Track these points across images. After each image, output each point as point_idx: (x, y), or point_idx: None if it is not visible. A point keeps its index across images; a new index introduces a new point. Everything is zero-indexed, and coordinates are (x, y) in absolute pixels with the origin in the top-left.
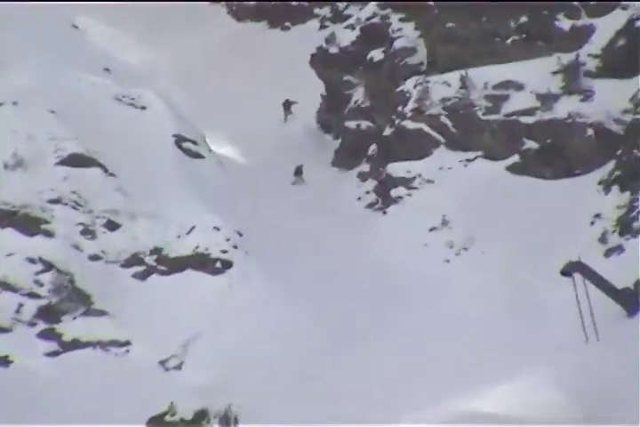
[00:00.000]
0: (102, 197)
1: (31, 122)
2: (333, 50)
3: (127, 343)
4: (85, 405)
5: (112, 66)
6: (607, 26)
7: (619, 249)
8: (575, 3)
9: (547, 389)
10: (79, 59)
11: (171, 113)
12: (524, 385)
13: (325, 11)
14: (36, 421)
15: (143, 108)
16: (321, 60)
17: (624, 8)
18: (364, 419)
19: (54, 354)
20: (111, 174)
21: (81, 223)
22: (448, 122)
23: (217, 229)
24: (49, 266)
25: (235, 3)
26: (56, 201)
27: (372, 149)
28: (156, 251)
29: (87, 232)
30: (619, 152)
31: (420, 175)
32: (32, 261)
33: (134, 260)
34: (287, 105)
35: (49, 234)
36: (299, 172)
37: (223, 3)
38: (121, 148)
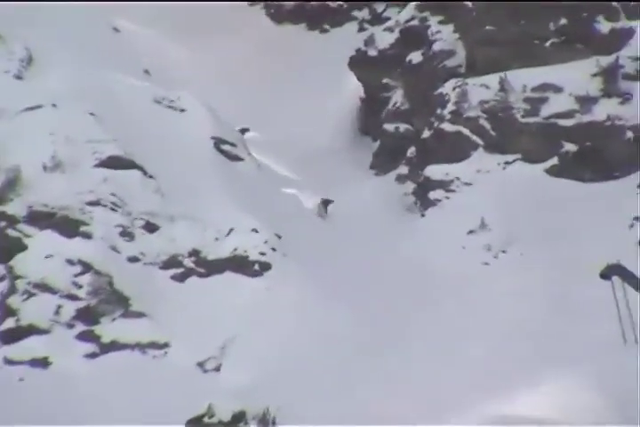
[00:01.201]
0: (141, 200)
1: (70, 124)
2: (372, 52)
3: (165, 345)
4: (124, 407)
5: (151, 68)
6: None
7: None
8: (615, 4)
9: (584, 392)
10: (118, 60)
11: (210, 115)
12: (562, 388)
13: (364, 13)
14: (74, 422)
15: (182, 110)
16: (360, 63)
17: None
18: (402, 421)
19: (93, 356)
20: (150, 176)
21: (119, 225)
22: (487, 124)
23: (255, 231)
24: (87, 268)
25: (273, 4)
26: (95, 203)
27: (411, 151)
28: (195, 253)
29: (126, 234)
30: None
31: (458, 178)
32: (71, 262)
33: (172, 262)
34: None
35: (88, 236)
36: (325, 205)
37: (262, 4)
38: (159, 150)
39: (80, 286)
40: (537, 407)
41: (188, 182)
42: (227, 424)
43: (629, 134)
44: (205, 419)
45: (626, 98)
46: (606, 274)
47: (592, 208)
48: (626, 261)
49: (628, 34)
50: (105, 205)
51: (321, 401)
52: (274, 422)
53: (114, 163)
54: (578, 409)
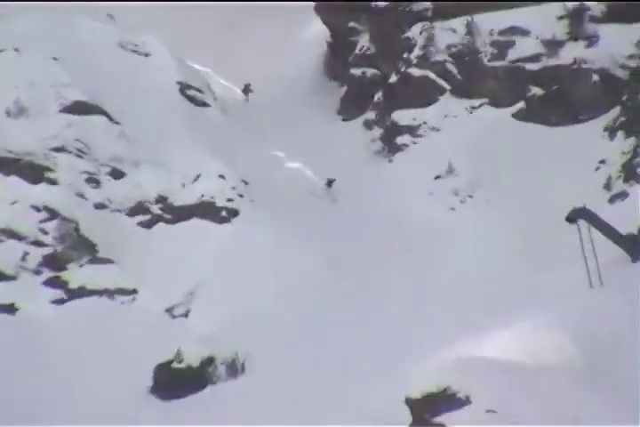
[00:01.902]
0: (106, 145)
1: (33, 68)
2: None
3: (133, 291)
4: (93, 352)
5: (114, 12)
6: None
7: (623, 195)
8: None
9: (550, 334)
10: (80, 4)
11: (175, 60)
12: (527, 330)
13: None
14: (41, 368)
15: (147, 54)
16: (326, 7)
17: None
18: (373, 366)
19: (60, 302)
20: (115, 122)
21: (85, 171)
22: (453, 69)
23: (222, 177)
24: (53, 214)
25: None
26: (60, 149)
27: (378, 96)
28: (162, 199)
29: (91, 180)
30: (624, 98)
31: (425, 123)
32: (36, 208)
33: (139, 208)
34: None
35: (53, 182)
36: (329, 184)
37: None
38: (125, 95)
39: (46, 233)
40: (505, 349)
41: (154, 128)
42: (195, 369)
43: (595, 77)
44: (174, 364)
45: (592, 41)
46: (572, 217)
47: (558, 152)
48: (592, 204)
49: None
50: (70, 151)
51: (291, 347)
52: (243, 368)
53: (78, 108)
54: (545, 351)
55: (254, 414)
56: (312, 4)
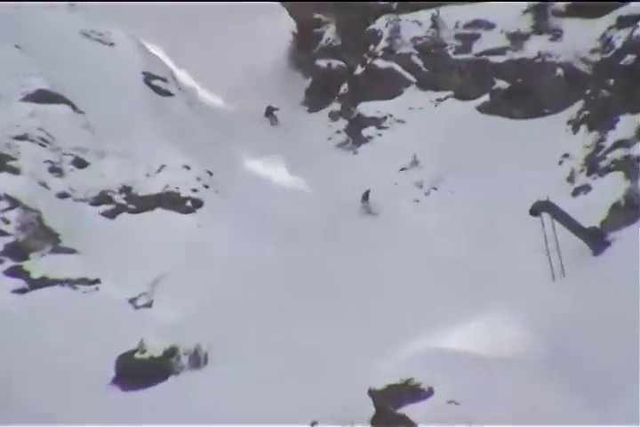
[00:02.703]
0: (70, 135)
1: None
2: None
3: (96, 281)
4: (53, 342)
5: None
6: None
7: (586, 188)
8: None
9: (513, 326)
10: None
11: (140, 50)
12: (491, 322)
13: None
14: (10, 359)
15: (111, 44)
16: None
17: None
18: (332, 360)
19: (22, 291)
20: (79, 111)
21: (48, 160)
22: (419, 61)
23: (187, 167)
24: (15, 203)
25: None
26: (22, 138)
27: (343, 88)
28: (125, 189)
29: (55, 170)
30: (587, 92)
31: (390, 115)
32: None
33: (103, 198)
34: (269, 111)
35: (15, 171)
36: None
37: None
38: (89, 84)
39: (8, 222)
40: (468, 341)
41: (118, 117)
42: (158, 360)
43: (559, 71)
44: (137, 354)
45: (556, 35)
46: (535, 210)
47: (522, 145)
48: (555, 197)
49: None
50: (32, 140)
51: (254, 340)
52: (206, 359)
53: (41, 97)
54: (507, 343)
55: (217, 405)
56: None
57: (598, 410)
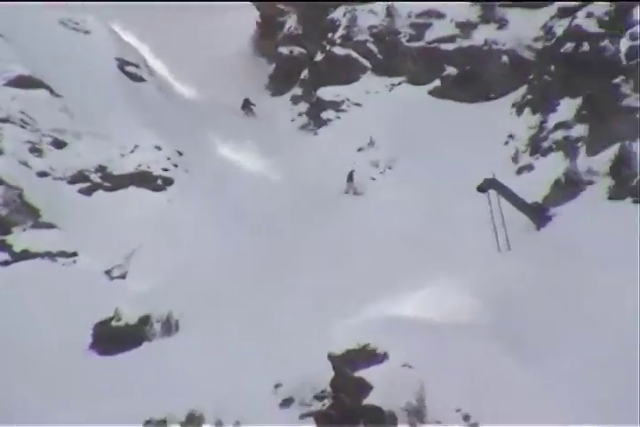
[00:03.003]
0: (49, 117)
1: None
2: None
3: (74, 254)
4: (34, 310)
5: None
6: None
7: (529, 167)
8: None
9: (462, 294)
10: None
11: (113, 37)
12: (441, 291)
13: None
14: None
15: (87, 32)
16: None
17: None
18: (293, 323)
19: (5, 264)
20: (57, 95)
21: (29, 141)
22: (374, 48)
23: (158, 148)
24: None
25: None
26: (4, 120)
27: (304, 73)
28: (101, 168)
29: (35, 150)
30: (530, 77)
31: (348, 99)
32: None
33: (80, 176)
34: (246, 104)
35: None
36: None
37: None
38: (66, 70)
39: None
40: (419, 309)
41: (94, 101)
42: (133, 327)
43: (505, 58)
44: (113, 322)
45: (502, 24)
46: (483, 188)
47: (471, 127)
48: (501, 175)
49: None
50: (14, 122)
51: (222, 308)
52: (177, 326)
53: (22, 82)
54: (456, 310)
55: (187, 369)
56: None
57: (536, 367)
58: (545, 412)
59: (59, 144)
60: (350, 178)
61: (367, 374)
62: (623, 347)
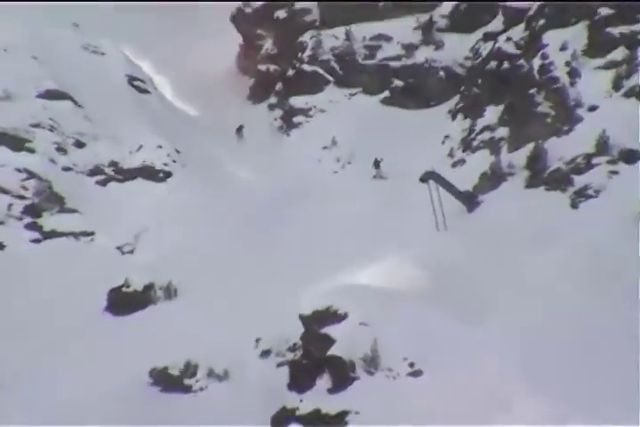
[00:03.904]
0: (72, 123)
1: (17, 65)
2: (248, 10)
3: (92, 234)
4: (61, 280)
5: (79, 21)
6: None
7: (462, 162)
8: None
9: (407, 266)
10: (54, 17)
11: (124, 58)
12: (391, 263)
13: None
14: (22, 290)
15: (103, 54)
16: (239, 18)
17: None
18: (272, 290)
19: (37, 241)
20: (79, 105)
21: (56, 142)
22: (336, 66)
23: (160, 147)
24: (32, 175)
25: None
26: (36, 125)
27: (279, 86)
28: (114, 164)
29: (60, 149)
30: (462, 89)
31: (315, 106)
32: (19, 170)
33: (97, 170)
34: (239, 129)
35: (31, 150)
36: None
37: None
38: (86, 85)
39: (26, 189)
40: (373, 278)
41: (108, 110)
42: (140, 293)
43: (441, 73)
44: (123, 289)
45: (439, 46)
46: (424, 178)
47: (414, 129)
48: (439, 168)
49: None
50: (44, 127)
51: (213, 278)
52: (175, 292)
53: (51, 95)
54: (404, 279)
55: (184, 326)
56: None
57: (470, 325)
58: (477, 362)
59: (80, 144)
60: (377, 165)
61: (330, 330)
62: (540, 308)
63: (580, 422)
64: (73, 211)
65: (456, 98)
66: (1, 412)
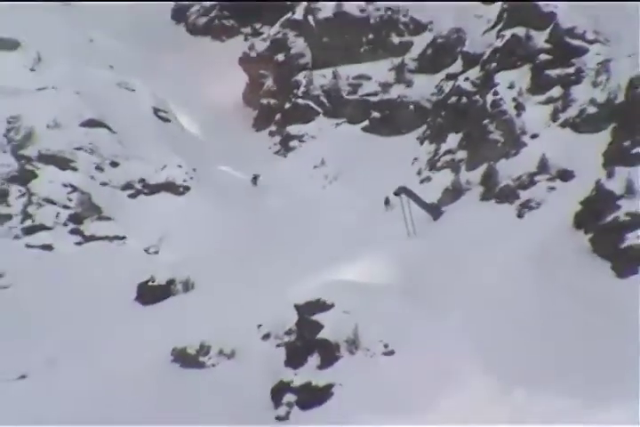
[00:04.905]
0: (108, 147)
1: (63, 99)
2: (253, 54)
3: (124, 237)
4: (99, 275)
5: (114, 63)
6: (421, 41)
7: (428, 179)
8: (403, 22)
9: (383, 265)
10: (94, 59)
11: (150, 93)
12: (369, 263)
13: (248, 29)
14: (67, 284)
15: (133, 90)
16: (245, 60)
17: (430, 30)
18: (271, 284)
19: (79, 244)
20: (113, 132)
21: (94, 162)
22: (325, 100)
23: (180, 166)
24: (75, 189)
25: (190, 22)
26: (79, 148)
27: (278, 116)
28: (142, 180)
29: (98, 168)
30: (428, 120)
31: (307, 133)
32: (65, 185)
33: (128, 185)
34: (255, 178)
35: (75, 169)
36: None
37: (184, 23)
38: (119, 115)
39: (71, 200)
40: (355, 275)
41: (137, 135)
42: (163, 286)
43: (411, 107)
44: (150, 283)
45: (409, 84)
46: (397, 192)
47: (389, 152)
48: (409, 184)
49: (409, 44)
50: (85, 150)
51: (223, 275)
52: (193, 286)
53: (91, 123)
54: (380, 276)
55: (199, 312)
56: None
57: (434, 314)
58: (439, 344)
59: (114, 164)
60: (387, 202)
61: (320, 318)
62: (492, 301)
63: (521, 393)
64: (108, 219)
65: (423, 127)
66: (53, 382)
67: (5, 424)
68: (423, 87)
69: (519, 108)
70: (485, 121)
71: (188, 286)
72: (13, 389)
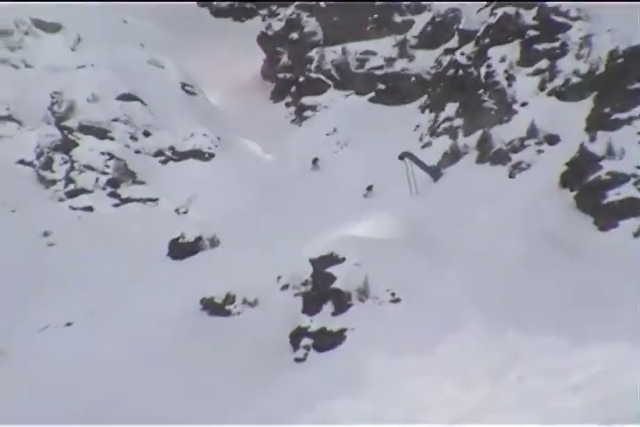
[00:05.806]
0: (141, 118)
1: (101, 75)
2: (270, 33)
3: (156, 200)
4: (135, 233)
5: (145, 43)
6: (421, 20)
7: (429, 144)
8: (404, 5)
9: (390, 221)
10: (128, 39)
11: (178, 69)
12: (378, 220)
13: (265, 11)
14: (106, 241)
15: (163, 66)
16: (263, 39)
17: (429, 10)
18: (289, 241)
19: (117, 205)
20: (145, 104)
21: (129, 132)
22: (335, 73)
23: (205, 135)
24: (112, 156)
25: (214, 4)
26: (115, 120)
27: (293, 89)
28: (171, 148)
29: (133, 137)
30: (429, 90)
31: (320, 103)
32: (103, 153)
33: (159, 153)
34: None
35: (112, 138)
36: (369, 188)
37: (207, 6)
38: (151, 89)
39: (108, 166)
40: (365, 230)
41: (167, 108)
42: (192, 243)
43: (413, 79)
44: (180, 240)
45: (411, 59)
46: (401, 156)
47: (394, 120)
48: (412, 149)
49: (411, 22)
50: (121, 121)
51: (246, 232)
52: (218, 243)
53: (125, 97)
54: (387, 231)
55: (224, 266)
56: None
57: (437, 263)
58: (440, 293)
59: (147, 134)
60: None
61: (333, 270)
62: (488, 254)
63: (512, 333)
64: (142, 183)
65: (424, 97)
66: (94, 336)
67: (63, 363)
68: (424, 61)
69: (510, 79)
70: (480, 91)
71: (214, 243)
72: (63, 334)
